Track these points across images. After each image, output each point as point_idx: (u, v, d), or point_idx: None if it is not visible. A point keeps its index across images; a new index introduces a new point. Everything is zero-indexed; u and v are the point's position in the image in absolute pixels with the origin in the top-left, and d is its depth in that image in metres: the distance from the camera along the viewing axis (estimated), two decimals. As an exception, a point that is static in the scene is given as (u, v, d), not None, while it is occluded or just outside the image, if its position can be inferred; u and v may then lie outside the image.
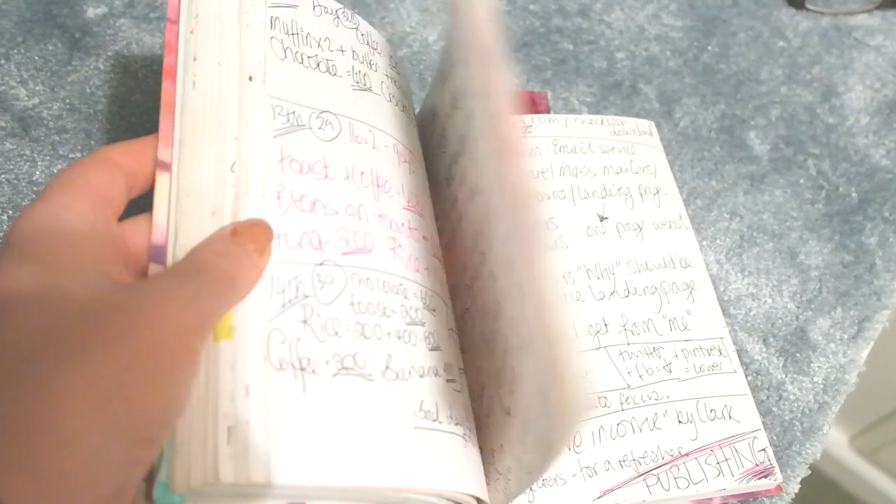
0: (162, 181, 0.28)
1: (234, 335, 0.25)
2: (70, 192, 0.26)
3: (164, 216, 0.28)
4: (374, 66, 0.36)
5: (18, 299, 0.23)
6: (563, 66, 0.53)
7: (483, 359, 0.32)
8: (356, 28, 0.36)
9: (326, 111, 0.32)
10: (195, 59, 0.30)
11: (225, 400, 0.24)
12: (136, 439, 0.22)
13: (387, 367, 0.28)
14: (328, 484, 0.25)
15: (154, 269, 0.27)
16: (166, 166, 0.28)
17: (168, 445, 0.24)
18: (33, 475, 0.20)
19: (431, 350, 0.31)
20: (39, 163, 0.41)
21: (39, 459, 0.20)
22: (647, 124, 0.49)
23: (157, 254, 0.27)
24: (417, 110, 0.41)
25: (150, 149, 0.29)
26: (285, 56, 0.32)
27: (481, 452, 0.31)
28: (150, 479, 0.24)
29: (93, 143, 0.42)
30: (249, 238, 0.27)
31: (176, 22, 0.31)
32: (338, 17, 0.35)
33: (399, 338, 0.29)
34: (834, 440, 1.08)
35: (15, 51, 0.45)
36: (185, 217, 0.27)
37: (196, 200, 0.28)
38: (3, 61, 0.44)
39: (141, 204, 0.29)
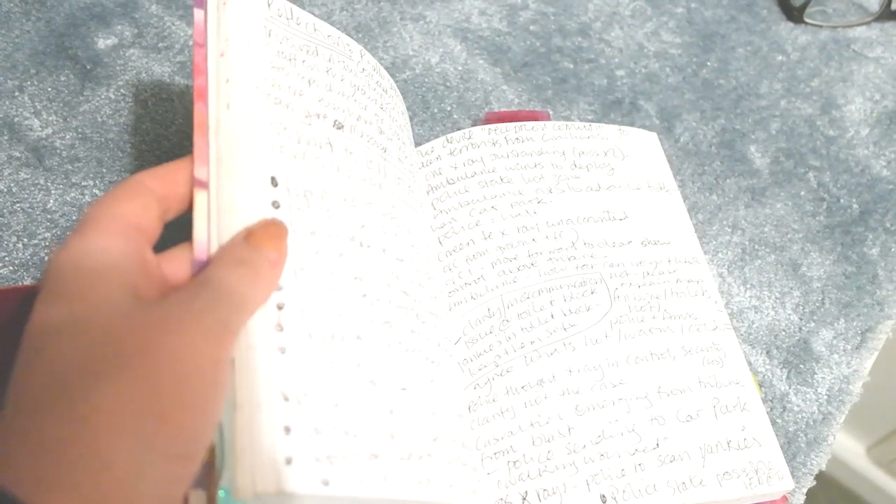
0: (200, 199, 0.28)
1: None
2: (102, 224, 0.26)
3: (205, 233, 0.28)
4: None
5: (51, 332, 0.23)
6: (564, 85, 0.54)
7: None
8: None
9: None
10: (227, 81, 0.30)
11: (280, 404, 0.25)
12: (170, 455, 0.22)
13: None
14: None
15: None
16: (203, 184, 0.28)
17: (228, 452, 0.24)
18: (74, 497, 0.20)
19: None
20: (53, 191, 0.42)
21: (79, 482, 0.21)
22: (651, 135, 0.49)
23: (200, 269, 0.27)
24: (421, 131, 0.42)
25: (183, 172, 0.29)
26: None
27: None
28: (210, 486, 0.24)
29: (104, 171, 0.43)
30: (265, 239, 0.27)
31: (204, 45, 0.30)
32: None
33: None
34: (851, 450, 1.07)
35: (28, 82, 0.46)
36: (227, 233, 0.28)
37: (237, 216, 0.28)
38: (17, 93, 0.46)
39: (178, 223, 0.29)
